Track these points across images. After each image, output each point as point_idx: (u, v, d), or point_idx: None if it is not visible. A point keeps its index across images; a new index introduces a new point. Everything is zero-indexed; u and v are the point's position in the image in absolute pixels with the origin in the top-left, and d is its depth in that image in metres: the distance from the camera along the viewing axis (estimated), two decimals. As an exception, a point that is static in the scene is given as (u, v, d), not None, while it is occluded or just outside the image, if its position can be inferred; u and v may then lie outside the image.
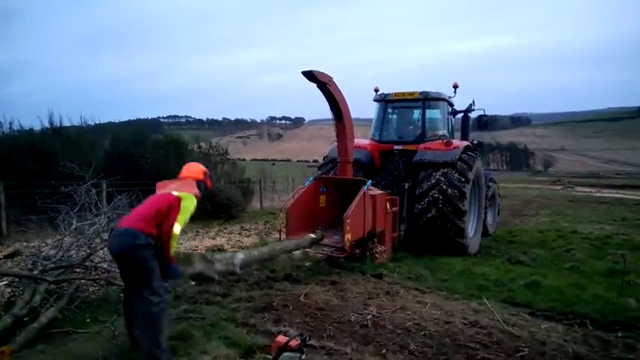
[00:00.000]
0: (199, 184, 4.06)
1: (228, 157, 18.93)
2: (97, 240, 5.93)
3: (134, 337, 3.69)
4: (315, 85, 6.90)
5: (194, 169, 4.19)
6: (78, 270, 5.43)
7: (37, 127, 13.44)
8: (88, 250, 5.61)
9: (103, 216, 6.08)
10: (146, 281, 3.47)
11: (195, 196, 3.84)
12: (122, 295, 4.08)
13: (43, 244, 6.32)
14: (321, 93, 7.11)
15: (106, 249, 5.80)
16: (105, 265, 5.63)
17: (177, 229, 3.56)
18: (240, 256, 4.88)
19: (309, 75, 6.66)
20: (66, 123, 13.65)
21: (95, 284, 5.59)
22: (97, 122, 16.08)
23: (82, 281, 5.44)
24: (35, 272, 4.94)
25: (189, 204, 3.70)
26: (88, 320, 4.68)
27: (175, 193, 3.72)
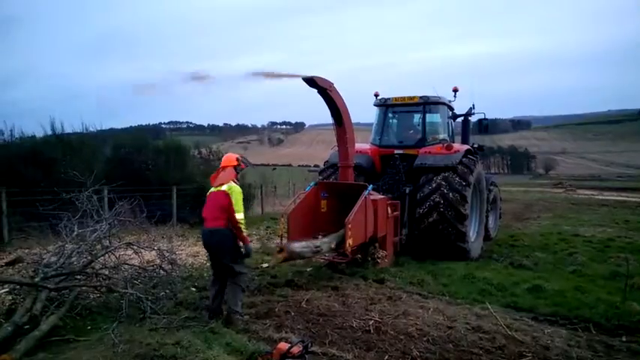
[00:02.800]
0: (236, 168, 5.22)
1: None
2: (99, 246, 5.92)
3: (215, 309, 5.02)
4: (316, 90, 6.91)
5: (229, 158, 5.30)
6: (79, 277, 5.40)
7: (39, 133, 13.45)
8: (90, 257, 5.59)
9: (104, 222, 6.06)
10: (234, 257, 4.93)
11: (236, 179, 5.12)
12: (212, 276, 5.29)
13: (45, 251, 6.28)
14: (321, 98, 7.11)
15: (107, 255, 5.80)
16: (106, 272, 5.60)
17: (239, 216, 4.87)
18: (325, 240, 6.51)
19: (310, 81, 6.66)
20: (68, 129, 13.66)
21: (96, 291, 5.57)
22: (99, 129, 16.09)
23: (83, 288, 5.43)
24: (36, 279, 4.93)
25: (237, 194, 4.93)
26: (88, 328, 4.67)
27: (224, 188, 4.91)
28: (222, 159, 5.39)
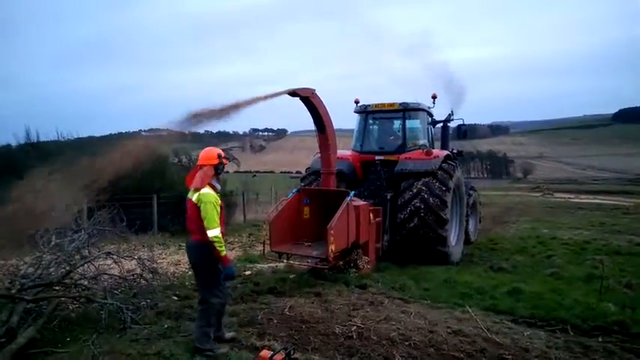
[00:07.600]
0: (217, 168, 4.31)
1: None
2: (77, 256, 5.80)
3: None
4: (299, 98, 6.92)
5: (209, 155, 4.35)
6: (57, 288, 5.29)
7: (13, 142, 13.19)
8: (68, 267, 5.46)
9: (83, 232, 5.96)
10: (206, 280, 4.26)
11: (216, 181, 4.32)
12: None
13: (21, 262, 6.14)
14: (304, 105, 7.13)
15: (86, 265, 5.70)
16: (85, 282, 5.50)
17: (211, 233, 4.01)
18: None
19: (292, 93, 6.60)
20: (44, 138, 13.42)
21: (75, 302, 5.46)
22: (77, 136, 15.79)
23: (62, 299, 5.31)
24: (13, 291, 4.81)
25: (206, 205, 4.07)
26: (67, 339, 4.56)
27: (194, 200, 4.15)
28: (200, 155, 4.40)
